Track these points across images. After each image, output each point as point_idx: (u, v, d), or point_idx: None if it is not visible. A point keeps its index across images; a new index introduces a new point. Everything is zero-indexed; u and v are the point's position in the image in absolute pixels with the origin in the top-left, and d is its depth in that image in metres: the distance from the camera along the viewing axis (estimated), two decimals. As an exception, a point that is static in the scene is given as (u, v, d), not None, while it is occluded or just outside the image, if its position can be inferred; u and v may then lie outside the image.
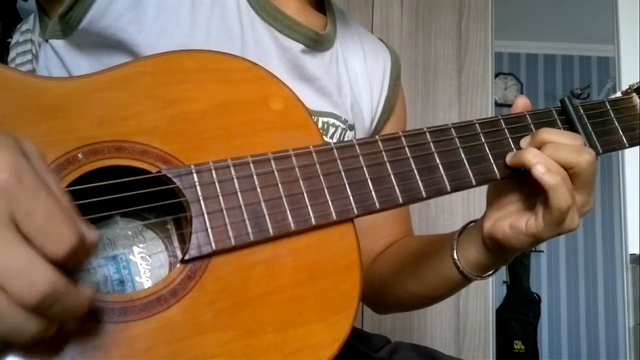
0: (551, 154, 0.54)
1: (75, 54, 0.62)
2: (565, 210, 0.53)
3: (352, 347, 0.71)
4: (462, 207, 1.85)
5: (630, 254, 2.10)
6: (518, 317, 3.41)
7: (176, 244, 0.51)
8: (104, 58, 0.60)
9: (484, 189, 0.62)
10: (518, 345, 3.36)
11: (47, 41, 0.64)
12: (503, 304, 3.48)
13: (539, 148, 0.55)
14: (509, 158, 0.57)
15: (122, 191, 0.44)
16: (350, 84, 0.77)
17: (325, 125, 0.71)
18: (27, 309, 0.33)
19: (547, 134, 0.56)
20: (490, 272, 0.65)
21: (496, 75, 3.76)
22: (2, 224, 0.32)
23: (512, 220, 0.58)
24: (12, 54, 1.47)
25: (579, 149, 0.54)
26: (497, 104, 3.57)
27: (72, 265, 0.35)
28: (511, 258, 0.62)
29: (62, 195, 0.36)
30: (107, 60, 0.60)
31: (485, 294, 1.84)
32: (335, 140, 0.72)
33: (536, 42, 3.89)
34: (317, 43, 0.72)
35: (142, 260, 0.49)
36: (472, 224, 0.66)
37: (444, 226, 1.84)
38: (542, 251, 3.75)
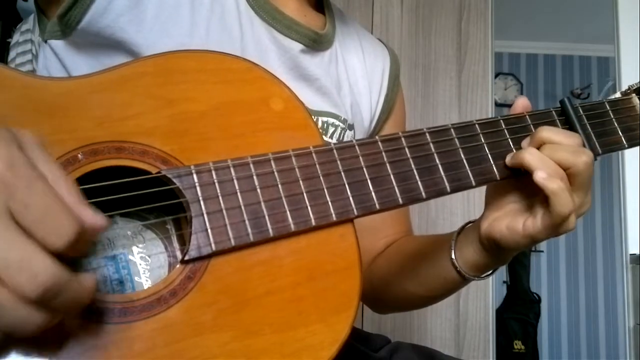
0: (550, 154, 0.54)
1: (74, 54, 0.62)
2: (566, 215, 0.53)
3: (352, 346, 0.71)
4: (462, 207, 1.85)
5: (630, 254, 2.10)
6: (518, 317, 3.41)
7: (176, 244, 0.51)
8: (103, 58, 0.60)
9: (484, 189, 0.62)
10: (518, 345, 3.36)
11: (46, 42, 0.63)
12: (503, 304, 3.48)
13: (538, 148, 0.55)
14: (508, 159, 0.57)
15: (122, 191, 0.44)
16: (349, 83, 0.77)
17: (325, 124, 0.71)
18: (30, 302, 0.32)
19: (546, 132, 0.56)
20: (489, 273, 0.65)
21: (496, 75, 3.76)
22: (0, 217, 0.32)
23: (509, 221, 0.58)
24: (12, 54, 1.47)
25: (576, 150, 0.54)
26: (497, 104, 3.57)
27: (74, 254, 0.35)
28: (509, 258, 0.62)
29: (64, 185, 0.35)
30: (106, 60, 0.59)
31: (485, 294, 1.84)
32: (334, 139, 0.72)
33: (536, 42, 3.89)
34: (316, 43, 0.72)
35: (142, 261, 0.49)
36: (470, 224, 0.65)
37: (444, 226, 1.84)
38: (542, 251, 3.75)
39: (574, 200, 0.54)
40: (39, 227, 0.33)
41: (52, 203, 0.33)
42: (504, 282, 3.52)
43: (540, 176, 0.52)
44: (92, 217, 0.36)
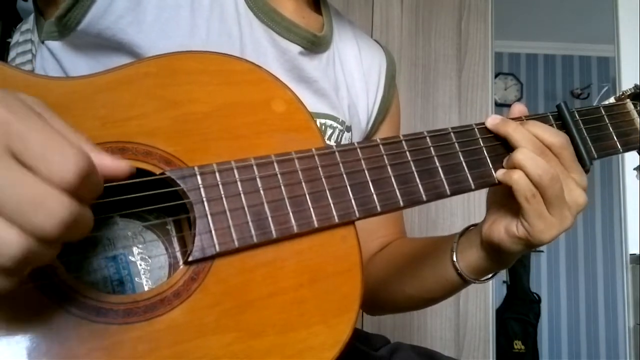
0: (533, 132, 0.56)
1: (72, 55, 0.62)
2: (529, 199, 0.54)
3: (353, 346, 0.71)
4: (462, 208, 1.86)
5: (630, 254, 2.11)
6: (518, 317, 3.42)
7: (176, 245, 0.51)
8: (102, 59, 0.60)
9: (484, 190, 0.62)
10: (518, 345, 3.37)
11: (43, 42, 0.63)
12: (503, 304, 3.48)
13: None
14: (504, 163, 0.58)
15: (122, 192, 0.44)
16: (347, 85, 0.77)
17: (323, 126, 0.71)
18: (47, 240, 0.31)
19: (531, 126, 0.57)
20: (490, 276, 0.65)
21: (496, 75, 3.77)
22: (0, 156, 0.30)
23: (507, 224, 0.58)
24: (12, 54, 1.47)
25: (554, 130, 0.57)
26: (497, 104, 3.57)
27: (86, 193, 0.33)
28: (510, 262, 0.62)
29: (61, 123, 0.34)
30: (105, 61, 0.59)
31: (485, 294, 1.84)
32: (332, 141, 0.72)
33: (536, 42, 3.90)
34: (314, 45, 0.72)
35: (142, 261, 0.49)
36: (472, 227, 0.66)
37: (444, 227, 1.84)
38: (542, 251, 3.75)
39: (551, 215, 0.55)
40: (41, 161, 0.30)
41: (52, 136, 0.31)
42: (504, 282, 3.52)
43: (500, 172, 0.56)
44: (112, 160, 0.35)
